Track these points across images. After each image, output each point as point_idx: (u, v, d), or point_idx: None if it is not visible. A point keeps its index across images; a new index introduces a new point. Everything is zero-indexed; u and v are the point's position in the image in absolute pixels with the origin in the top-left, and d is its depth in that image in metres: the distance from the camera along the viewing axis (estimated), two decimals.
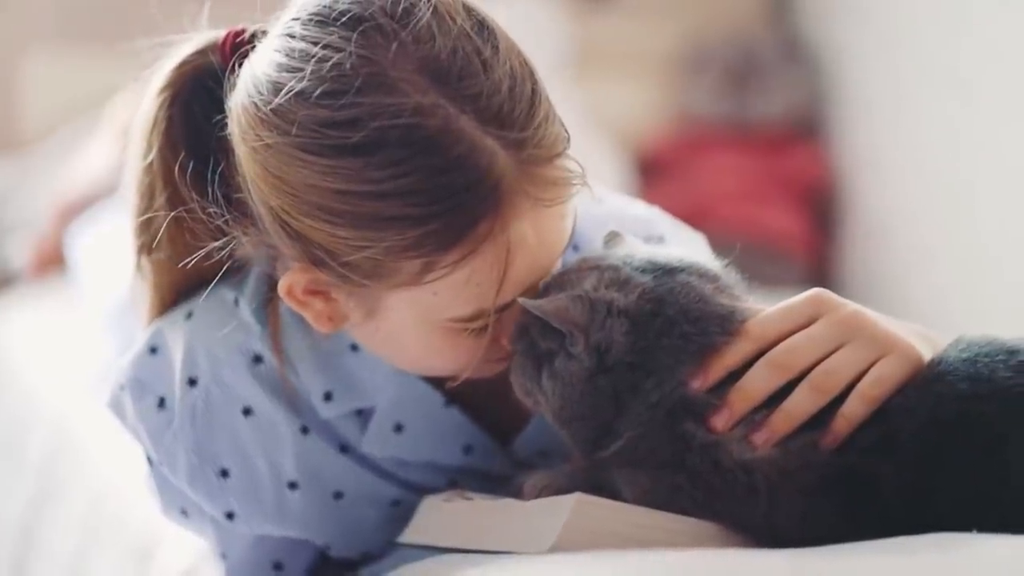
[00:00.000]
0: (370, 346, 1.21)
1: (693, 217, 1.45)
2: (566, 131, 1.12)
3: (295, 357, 1.23)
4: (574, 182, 1.11)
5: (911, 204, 3.25)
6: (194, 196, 1.17)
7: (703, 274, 1.13)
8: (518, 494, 1.17)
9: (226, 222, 1.15)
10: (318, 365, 1.23)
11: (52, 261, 2.75)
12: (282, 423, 1.23)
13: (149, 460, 1.26)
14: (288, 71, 1.07)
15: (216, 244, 1.16)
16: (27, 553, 2.09)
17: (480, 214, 1.06)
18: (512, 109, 1.07)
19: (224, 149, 1.15)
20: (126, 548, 1.73)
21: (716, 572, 0.95)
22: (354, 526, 1.27)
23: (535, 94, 1.09)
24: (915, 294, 3.20)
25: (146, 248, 1.24)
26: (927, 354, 1.07)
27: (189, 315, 1.24)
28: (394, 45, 1.06)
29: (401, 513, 1.26)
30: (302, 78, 1.06)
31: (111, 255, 2.37)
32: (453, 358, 1.16)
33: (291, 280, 1.14)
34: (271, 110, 1.07)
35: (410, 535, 1.22)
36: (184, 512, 1.28)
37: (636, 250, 1.16)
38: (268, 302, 1.23)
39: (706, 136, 3.53)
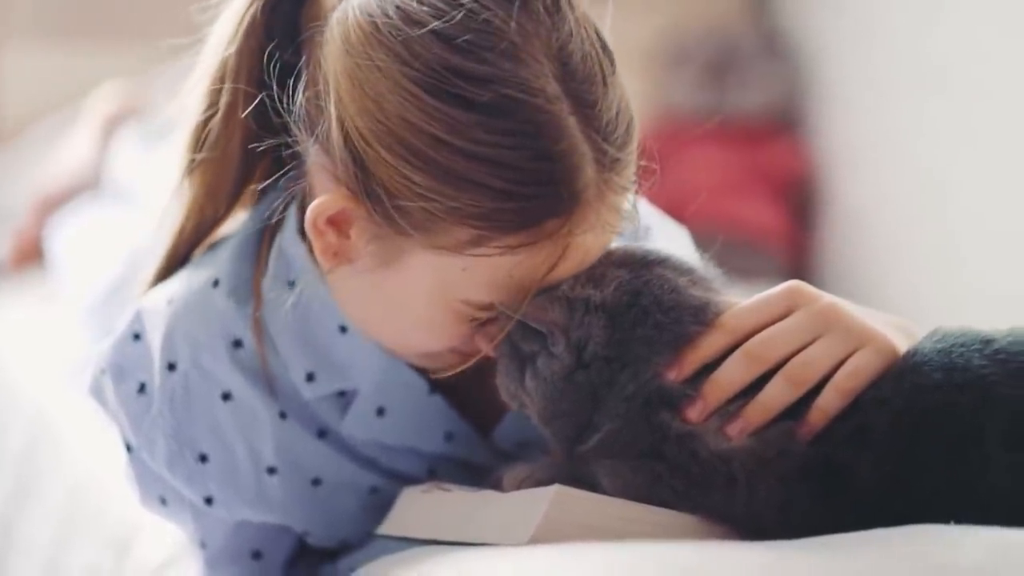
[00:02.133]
0: (360, 301, 1.19)
1: (672, 210, 1.45)
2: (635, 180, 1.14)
3: (277, 336, 1.23)
4: (630, 221, 1.14)
5: (889, 197, 3.26)
6: (275, 86, 1.15)
7: (678, 267, 1.14)
8: (498, 486, 1.18)
9: (296, 122, 1.13)
10: (301, 345, 1.23)
11: (31, 254, 2.74)
12: (261, 408, 1.23)
13: (128, 448, 1.26)
14: (428, 7, 1.07)
15: (276, 141, 1.15)
16: (5, 545, 2.09)
17: (555, 211, 1.07)
18: (615, 129, 1.09)
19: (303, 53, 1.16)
20: (104, 540, 1.73)
21: (694, 564, 0.94)
22: (332, 513, 1.27)
23: (632, 125, 1.12)
24: (893, 287, 3.21)
25: (198, 148, 1.22)
26: (904, 346, 1.08)
27: (170, 300, 1.24)
28: (543, 29, 1.08)
29: (380, 501, 1.26)
30: (447, 20, 1.06)
31: (92, 247, 2.37)
32: (440, 339, 1.16)
33: (325, 204, 1.11)
34: (401, 40, 1.06)
35: (388, 527, 1.22)
36: (163, 500, 1.28)
37: (614, 247, 1.17)
38: (250, 280, 1.23)
39: (686, 130, 3.53)
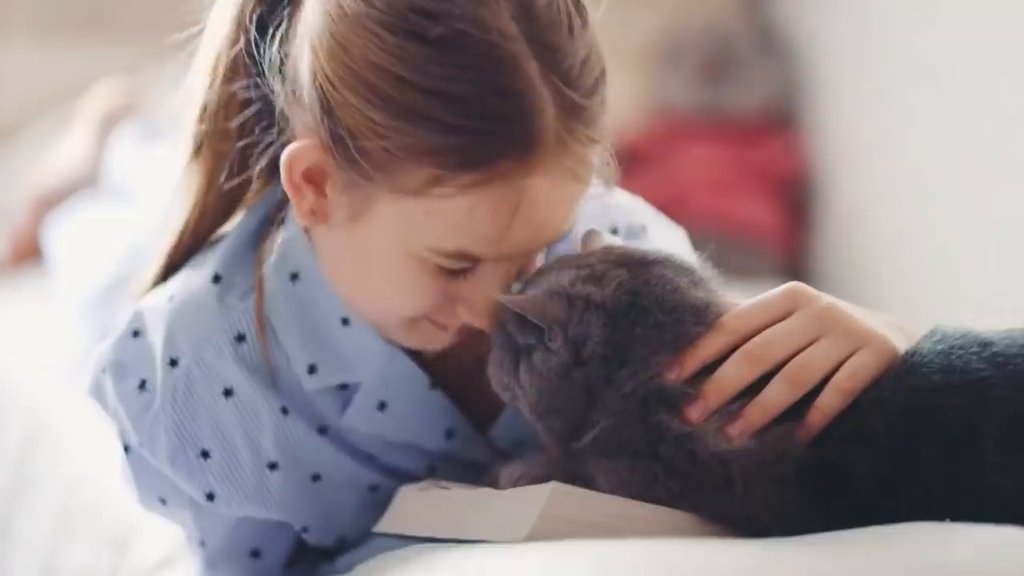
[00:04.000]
0: (337, 260, 1.20)
1: (669, 208, 1.45)
2: (606, 134, 1.14)
3: (279, 328, 1.23)
4: (603, 177, 1.15)
5: (885, 195, 3.26)
6: (255, 36, 1.18)
7: (678, 267, 1.14)
8: (493, 484, 1.18)
9: (270, 70, 1.16)
10: (303, 337, 1.23)
11: (28, 252, 2.74)
12: (262, 404, 1.23)
13: (126, 448, 1.26)
14: None
15: (246, 82, 1.18)
16: (3, 543, 2.09)
17: (509, 150, 1.07)
18: (579, 76, 1.10)
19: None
20: (102, 538, 1.73)
21: (688, 561, 0.94)
22: (331, 509, 1.27)
23: (601, 78, 1.13)
24: (889, 285, 3.21)
25: (203, 119, 1.24)
26: (902, 346, 1.08)
27: (171, 298, 1.24)
28: None
29: (379, 498, 1.26)
30: None
31: (88, 245, 2.37)
32: (413, 296, 1.16)
33: (298, 151, 1.14)
34: None
35: (386, 524, 1.22)
36: (163, 500, 1.28)
37: (613, 246, 1.17)
38: (251, 274, 1.24)
39: (682, 127, 3.53)
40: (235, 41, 1.21)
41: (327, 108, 1.10)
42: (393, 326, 1.22)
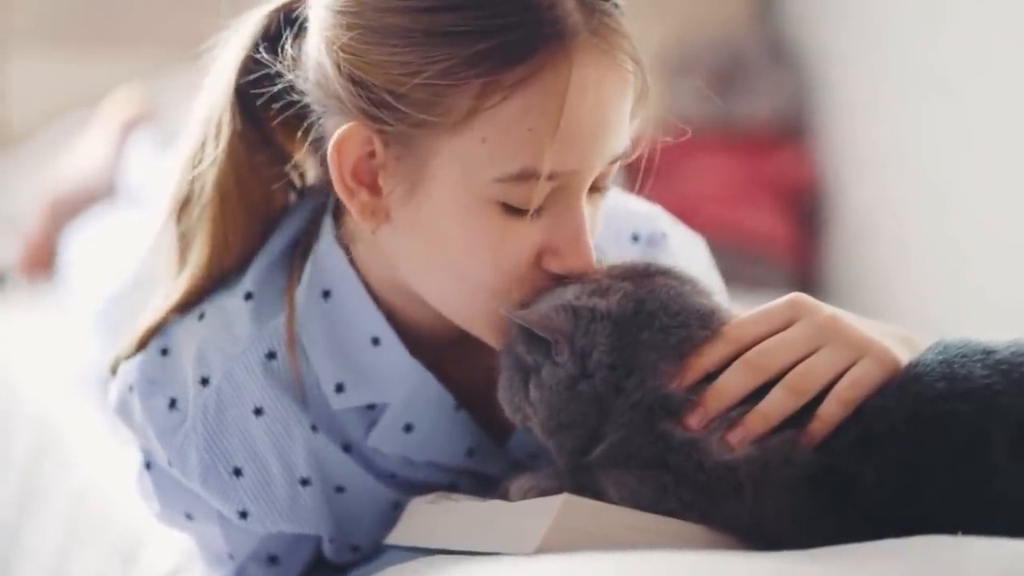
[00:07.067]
0: (414, 257, 1.18)
1: (678, 219, 1.45)
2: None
3: (309, 346, 1.23)
4: (638, 64, 1.15)
5: (895, 205, 3.26)
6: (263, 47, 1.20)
7: (681, 276, 1.14)
8: (504, 496, 1.18)
9: (288, 68, 1.17)
10: (333, 355, 1.23)
11: (40, 260, 2.74)
12: (293, 421, 1.23)
13: (147, 464, 1.26)
14: None
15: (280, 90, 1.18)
16: (11, 552, 2.09)
17: (544, 36, 1.08)
18: None
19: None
20: (110, 548, 1.73)
21: (703, 573, 0.95)
22: (353, 518, 1.27)
23: None
24: (899, 294, 3.21)
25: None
26: (905, 357, 1.08)
27: (201, 316, 1.24)
28: None
29: (400, 515, 1.26)
30: None
31: (104, 253, 2.37)
32: (499, 253, 1.14)
33: (343, 137, 1.13)
34: None
35: (396, 536, 1.22)
36: (189, 515, 1.27)
37: (616, 263, 1.17)
38: (284, 291, 1.24)
39: (691, 138, 3.53)
40: (243, 73, 1.22)
41: (357, 80, 1.11)
42: (485, 309, 1.17)
